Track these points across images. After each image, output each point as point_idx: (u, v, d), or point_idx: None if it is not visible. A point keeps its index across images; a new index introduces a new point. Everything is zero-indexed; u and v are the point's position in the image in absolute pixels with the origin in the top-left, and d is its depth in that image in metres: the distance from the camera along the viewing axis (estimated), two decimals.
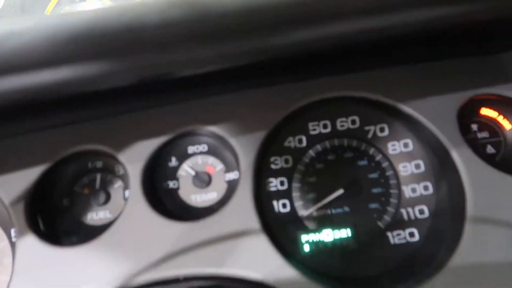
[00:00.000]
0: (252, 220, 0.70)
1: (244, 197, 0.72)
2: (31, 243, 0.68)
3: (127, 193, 0.82)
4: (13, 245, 0.80)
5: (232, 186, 0.82)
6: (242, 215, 0.70)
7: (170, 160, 0.84)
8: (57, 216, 0.79)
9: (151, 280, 0.64)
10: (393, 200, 0.82)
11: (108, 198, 0.82)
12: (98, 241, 0.68)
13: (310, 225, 0.82)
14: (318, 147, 0.86)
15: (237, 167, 0.82)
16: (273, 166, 0.84)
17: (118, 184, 0.83)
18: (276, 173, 0.84)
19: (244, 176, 0.74)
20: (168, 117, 0.79)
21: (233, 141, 0.77)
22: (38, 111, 0.69)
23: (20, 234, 0.69)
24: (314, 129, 0.87)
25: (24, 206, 0.71)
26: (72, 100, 0.67)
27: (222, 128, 0.78)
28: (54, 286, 0.65)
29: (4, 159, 0.74)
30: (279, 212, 0.82)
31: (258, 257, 0.67)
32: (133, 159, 0.76)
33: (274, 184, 0.83)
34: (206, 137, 0.83)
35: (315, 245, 0.81)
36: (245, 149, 0.76)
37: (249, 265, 0.65)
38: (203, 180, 0.82)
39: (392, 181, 0.83)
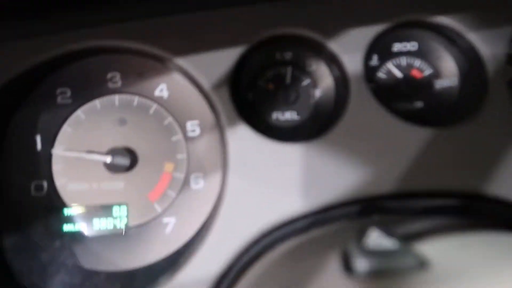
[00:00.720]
0: None
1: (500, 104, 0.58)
2: (244, 134, 0.57)
3: (317, 92, 0.70)
4: (187, 139, 0.70)
5: (444, 93, 0.68)
6: (500, 121, 0.57)
7: (371, 58, 0.70)
8: (243, 111, 0.68)
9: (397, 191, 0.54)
10: None
11: (297, 97, 0.70)
12: (323, 140, 0.57)
13: None
14: None
15: (458, 72, 0.68)
16: None
17: (307, 81, 0.71)
18: None
19: (494, 79, 0.60)
20: (387, 3, 0.64)
21: (473, 36, 0.62)
22: None
23: (229, 123, 0.58)
24: None
25: (230, 91, 0.60)
26: None
27: (458, 20, 0.63)
28: (275, 186, 0.55)
29: (201, 36, 0.62)
30: None
31: None
32: (350, 48, 0.62)
33: None
34: (422, 32, 0.68)
35: None
36: (492, 47, 0.61)
37: None
38: (409, 84, 0.69)
39: None
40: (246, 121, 0.61)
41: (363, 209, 0.55)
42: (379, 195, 0.55)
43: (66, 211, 0.69)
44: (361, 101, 0.60)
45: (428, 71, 0.70)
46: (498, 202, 0.53)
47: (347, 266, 0.37)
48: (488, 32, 0.61)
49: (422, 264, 0.35)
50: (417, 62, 0.71)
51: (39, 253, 0.62)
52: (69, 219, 0.68)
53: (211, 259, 0.52)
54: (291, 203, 0.55)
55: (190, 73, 0.61)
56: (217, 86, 0.60)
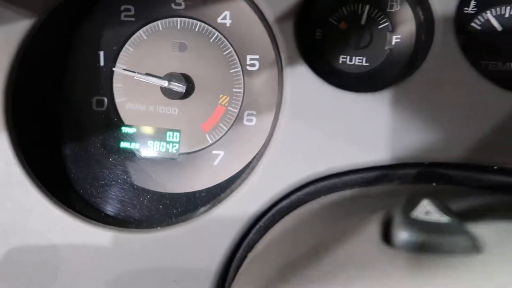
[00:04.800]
0: None
1: None
2: (303, 76, 0.53)
3: (394, 38, 0.62)
4: (245, 73, 0.67)
5: None
6: None
7: (468, 4, 0.60)
8: (308, 50, 0.62)
9: None
10: None
11: (370, 40, 0.63)
12: (391, 92, 0.51)
13: None
14: None
15: None
16: None
17: (384, 24, 0.63)
18: None
19: None
20: None
21: None
22: None
23: (289, 62, 0.54)
24: None
25: (294, 26, 0.55)
26: None
27: None
28: (329, 134, 0.51)
29: None
30: None
31: None
32: None
33: None
34: None
35: None
36: None
37: None
38: (510, 41, 0.58)
39: None
40: (309, 62, 0.56)
41: (422, 174, 0.50)
42: (445, 162, 0.49)
43: (123, 129, 0.71)
44: (444, 54, 0.51)
45: None
46: None
47: (386, 236, 0.34)
48: None
49: (474, 247, 0.31)
50: None
51: (95, 164, 0.66)
52: (125, 137, 0.71)
53: (251, 198, 0.52)
54: (343, 155, 0.51)
55: (254, 1, 0.56)
56: (281, 19, 0.55)
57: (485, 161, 0.49)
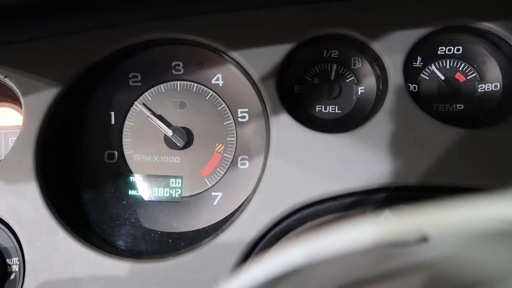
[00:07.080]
0: None
1: None
2: (285, 122, 0.65)
3: (359, 89, 0.75)
4: (237, 124, 0.79)
5: (485, 97, 0.71)
6: None
7: (415, 60, 0.74)
8: (289, 102, 0.74)
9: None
10: None
11: (340, 92, 0.76)
12: (358, 132, 0.63)
13: None
14: None
15: (501, 77, 0.70)
16: None
17: (350, 78, 0.76)
18: None
19: None
20: (431, 7, 0.67)
21: None
22: None
23: (273, 112, 0.65)
24: None
25: (276, 83, 0.67)
26: None
27: (503, 25, 0.64)
28: (310, 169, 0.62)
29: (254, 32, 0.69)
30: None
31: None
32: (392, 49, 0.67)
33: None
34: (467, 36, 0.71)
35: None
36: None
37: None
38: (452, 87, 0.72)
39: None
40: (289, 111, 0.67)
41: (389, 197, 0.60)
42: (406, 186, 0.60)
43: (132, 178, 0.80)
44: (397, 99, 0.64)
45: (471, 75, 0.72)
46: None
47: None
48: None
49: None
50: (461, 66, 0.73)
51: (110, 207, 0.74)
52: (134, 184, 0.80)
53: (249, 226, 0.61)
54: (322, 186, 0.61)
55: (242, 65, 0.69)
56: (265, 78, 0.68)
57: (438, 182, 0.59)
